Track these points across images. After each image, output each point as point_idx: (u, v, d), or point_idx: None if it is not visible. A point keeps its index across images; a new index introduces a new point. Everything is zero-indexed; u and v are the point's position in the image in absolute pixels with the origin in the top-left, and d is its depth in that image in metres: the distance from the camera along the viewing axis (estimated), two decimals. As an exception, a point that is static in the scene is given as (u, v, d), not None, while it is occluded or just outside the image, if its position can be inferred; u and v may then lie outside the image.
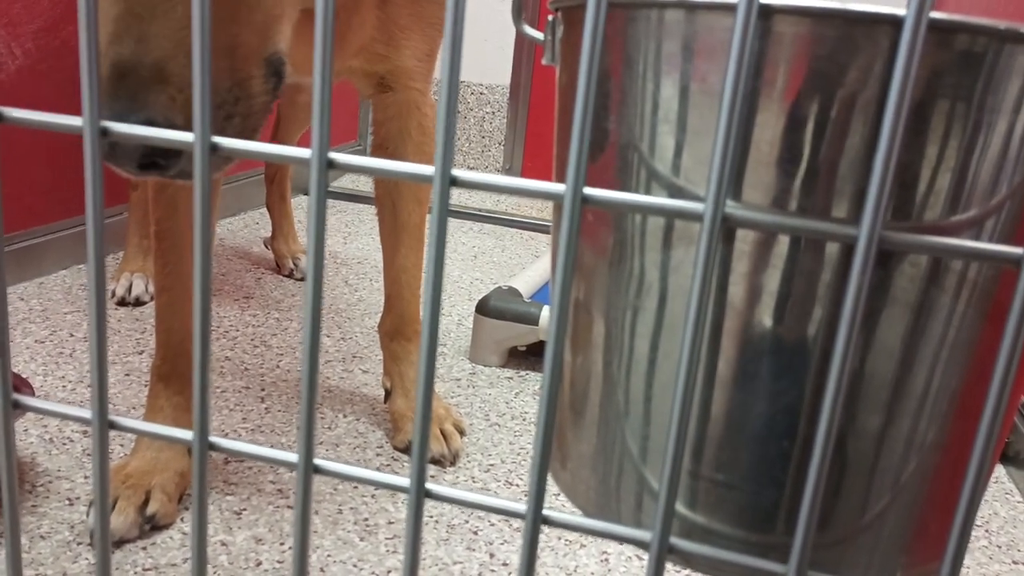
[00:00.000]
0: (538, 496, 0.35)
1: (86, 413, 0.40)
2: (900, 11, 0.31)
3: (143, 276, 1.52)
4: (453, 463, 1.06)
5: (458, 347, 1.44)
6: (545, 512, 0.35)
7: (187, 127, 0.50)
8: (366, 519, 0.92)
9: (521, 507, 0.36)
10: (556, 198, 0.32)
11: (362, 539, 0.89)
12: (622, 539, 0.34)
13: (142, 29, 0.49)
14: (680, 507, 0.38)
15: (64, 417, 0.41)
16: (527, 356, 1.42)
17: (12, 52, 1.41)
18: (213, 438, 0.39)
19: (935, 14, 0.31)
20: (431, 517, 0.93)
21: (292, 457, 0.39)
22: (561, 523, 0.36)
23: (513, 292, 1.42)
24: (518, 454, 1.11)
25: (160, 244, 0.91)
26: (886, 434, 0.36)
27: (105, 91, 0.49)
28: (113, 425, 0.40)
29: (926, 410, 0.36)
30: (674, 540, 0.33)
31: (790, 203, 0.34)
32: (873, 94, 0.33)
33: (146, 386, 1.17)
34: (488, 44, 2.71)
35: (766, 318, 0.35)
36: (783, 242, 0.34)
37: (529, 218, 2.35)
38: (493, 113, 2.88)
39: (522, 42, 2.71)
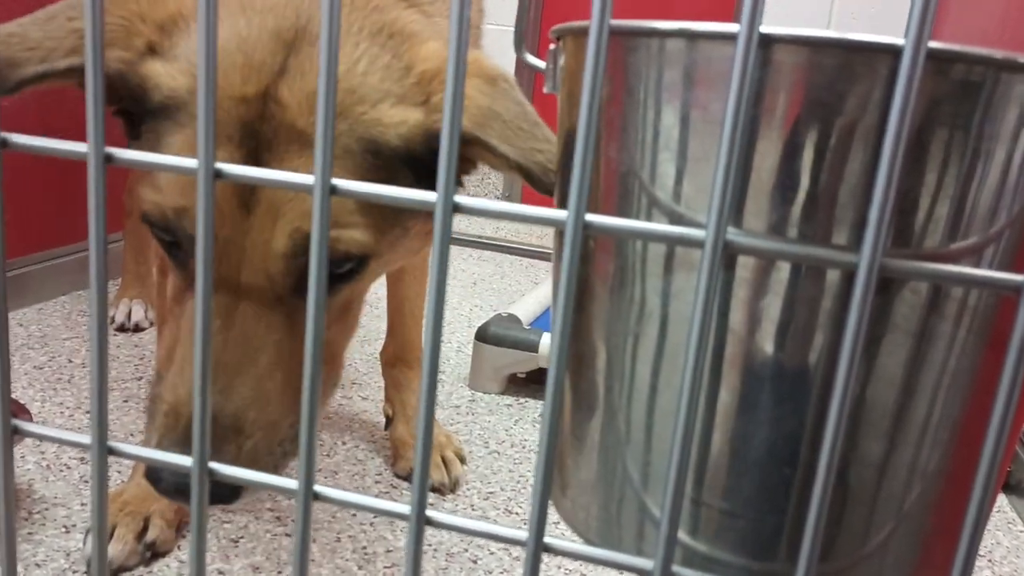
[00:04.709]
0: (539, 524, 0.34)
1: (85, 439, 0.40)
2: (898, 40, 0.31)
3: (142, 302, 1.52)
4: (453, 491, 1.06)
5: (458, 374, 1.44)
6: (546, 540, 0.35)
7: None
8: (364, 547, 0.92)
9: (522, 535, 0.35)
10: (558, 224, 0.32)
11: (360, 567, 0.88)
12: (624, 567, 0.34)
13: (225, 381, 0.54)
14: (682, 534, 0.38)
15: (63, 443, 0.41)
16: (527, 383, 1.42)
17: (16, 79, 1.42)
18: (212, 465, 0.39)
19: (933, 43, 0.31)
20: (430, 545, 0.93)
21: (292, 484, 0.38)
22: (562, 551, 0.35)
23: (513, 319, 1.42)
24: (518, 482, 1.11)
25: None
26: (888, 462, 0.35)
27: (183, 437, 0.54)
28: (112, 451, 0.40)
29: (928, 437, 0.36)
30: (676, 568, 0.33)
31: (791, 230, 0.34)
32: (872, 122, 0.33)
33: (145, 412, 1.17)
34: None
35: (767, 345, 0.35)
36: (784, 269, 0.35)
37: (529, 245, 2.35)
38: (493, 141, 2.89)
39: (522, 68, 2.73)
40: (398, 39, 0.58)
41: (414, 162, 0.57)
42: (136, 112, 0.58)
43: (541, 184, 0.55)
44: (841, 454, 0.35)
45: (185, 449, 0.52)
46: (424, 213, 0.58)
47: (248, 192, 0.53)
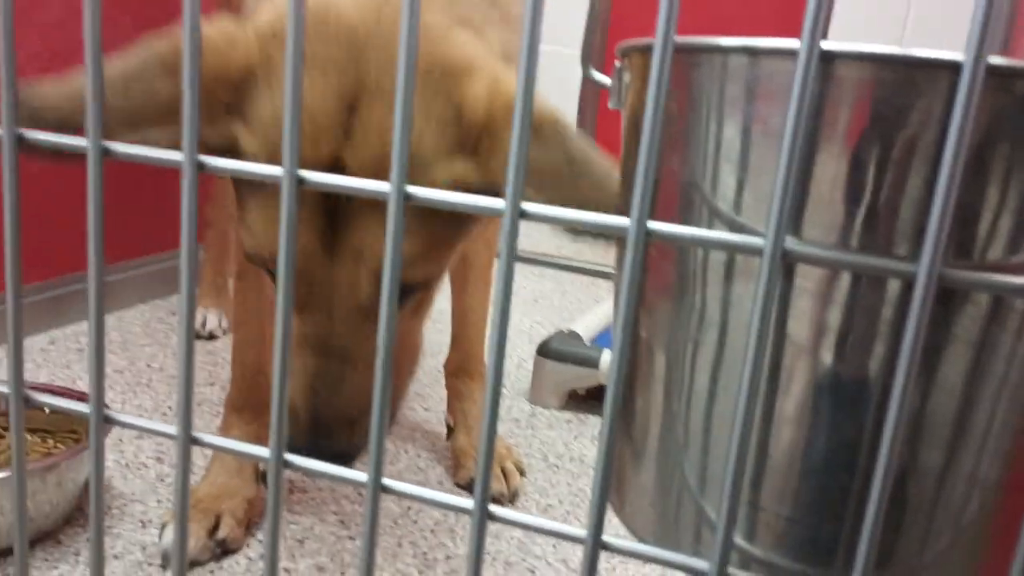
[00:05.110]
0: (598, 522, 0.36)
1: (171, 429, 0.43)
2: (959, 55, 0.32)
3: (217, 311, 1.57)
4: (512, 501, 1.07)
5: (518, 388, 1.46)
6: (604, 538, 0.36)
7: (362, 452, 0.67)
8: (425, 552, 0.93)
9: (581, 532, 0.37)
10: (621, 232, 0.33)
11: (421, 572, 0.90)
12: (680, 567, 0.35)
13: (333, 387, 0.63)
14: (738, 539, 0.38)
15: (150, 432, 0.44)
16: (586, 399, 1.42)
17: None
18: (288, 456, 0.41)
19: (994, 59, 0.32)
20: (488, 553, 0.94)
21: (362, 476, 0.40)
22: (620, 549, 0.36)
23: (574, 336, 1.43)
24: (576, 495, 1.11)
25: (240, 282, 0.95)
26: (948, 472, 0.36)
27: (304, 430, 0.64)
28: (196, 441, 0.43)
29: (988, 448, 0.36)
30: (732, 571, 0.33)
31: (851, 240, 0.35)
32: (934, 136, 0.34)
33: (216, 416, 1.21)
34: (552, 94, 2.76)
35: (826, 353, 0.36)
36: (844, 278, 0.35)
37: (590, 263, 2.36)
38: (557, 160, 2.91)
39: (587, 91, 2.75)
40: (449, 77, 0.58)
41: None
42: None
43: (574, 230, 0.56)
44: (900, 463, 0.35)
45: (307, 439, 0.64)
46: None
47: (331, 238, 0.58)
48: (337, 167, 0.57)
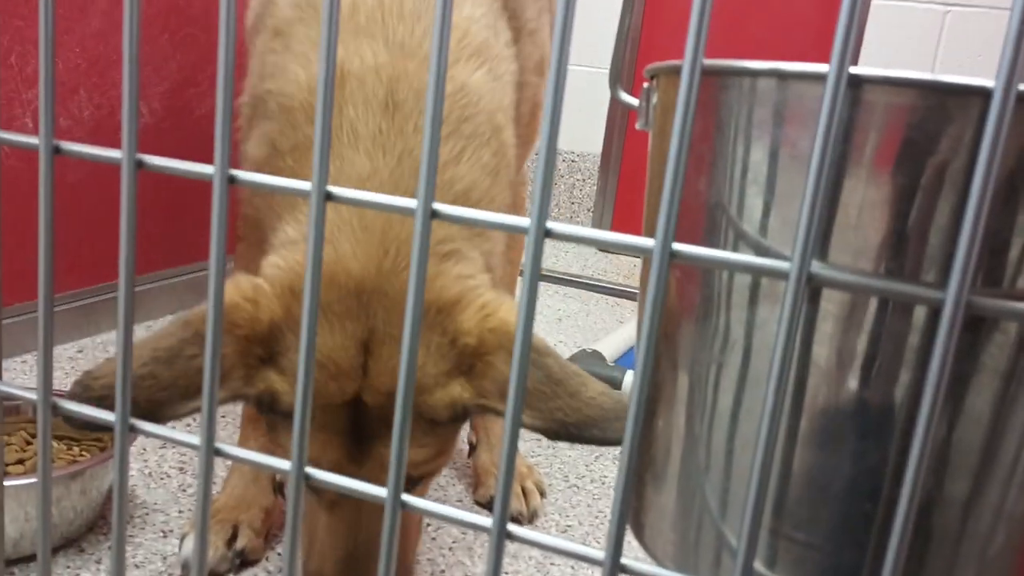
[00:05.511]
0: (617, 544, 0.35)
1: (195, 439, 0.43)
2: (989, 82, 0.31)
3: (242, 324, 1.58)
4: (531, 521, 1.07)
5: (540, 407, 1.45)
6: (623, 561, 0.36)
7: None
8: (443, 571, 0.93)
9: (599, 554, 0.36)
10: (646, 252, 0.33)
11: (437, 591, 0.89)
12: (699, 592, 0.34)
13: (363, 564, 0.72)
14: (759, 565, 0.38)
15: (174, 442, 0.44)
16: (609, 420, 1.41)
17: (140, 111, 1.52)
18: (308, 469, 0.41)
19: (1026, 86, 0.31)
20: (505, 573, 0.93)
21: (381, 492, 0.40)
22: (639, 572, 0.36)
23: (597, 355, 1.42)
24: (596, 517, 1.11)
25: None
26: (974, 503, 0.35)
27: None
28: (219, 452, 0.43)
29: (1016, 480, 0.35)
30: (752, 597, 0.33)
31: (878, 266, 0.35)
32: (963, 163, 0.34)
33: (239, 429, 1.22)
34: (581, 113, 2.77)
35: (851, 379, 0.36)
36: (870, 304, 0.35)
37: (614, 284, 2.35)
38: (583, 180, 2.92)
39: (615, 111, 2.76)
40: (443, 313, 0.66)
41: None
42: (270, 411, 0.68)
43: (557, 436, 0.63)
44: (925, 493, 0.35)
45: None
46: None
47: (356, 454, 0.67)
48: (357, 401, 0.66)
